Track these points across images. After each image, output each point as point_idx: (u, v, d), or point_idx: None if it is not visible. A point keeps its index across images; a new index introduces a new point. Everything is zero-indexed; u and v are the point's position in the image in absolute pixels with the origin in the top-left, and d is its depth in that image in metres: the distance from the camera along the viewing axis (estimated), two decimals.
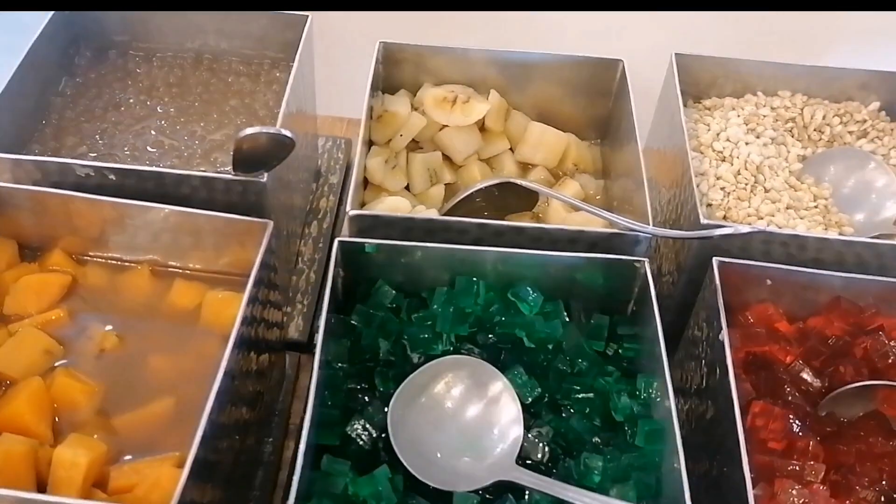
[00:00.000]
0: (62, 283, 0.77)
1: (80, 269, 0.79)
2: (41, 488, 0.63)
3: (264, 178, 0.76)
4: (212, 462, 0.64)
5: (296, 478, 0.60)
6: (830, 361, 0.76)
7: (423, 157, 0.93)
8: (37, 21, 0.90)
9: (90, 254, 0.80)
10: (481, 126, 0.96)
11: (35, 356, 0.71)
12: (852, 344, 0.77)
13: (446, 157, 0.95)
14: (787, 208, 0.86)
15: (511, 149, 0.98)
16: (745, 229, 0.75)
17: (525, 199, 0.91)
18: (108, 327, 0.75)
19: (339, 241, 0.75)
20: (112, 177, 0.77)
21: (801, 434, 0.70)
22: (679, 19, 1.21)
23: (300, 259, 1.01)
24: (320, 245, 1.02)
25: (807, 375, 0.75)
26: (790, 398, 0.74)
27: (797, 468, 0.68)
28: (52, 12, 0.91)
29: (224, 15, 0.97)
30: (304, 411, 0.82)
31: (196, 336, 0.76)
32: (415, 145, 0.96)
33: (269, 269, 0.76)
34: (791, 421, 0.71)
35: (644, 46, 1.08)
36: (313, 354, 0.91)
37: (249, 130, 0.70)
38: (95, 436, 0.67)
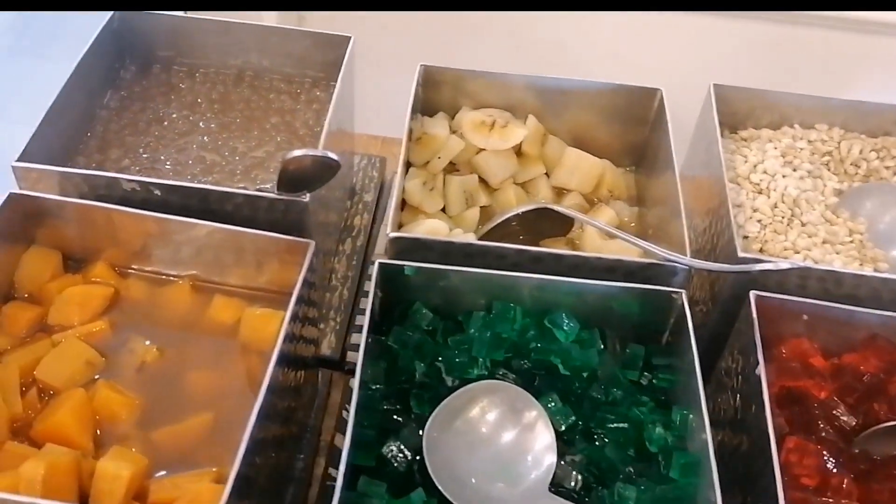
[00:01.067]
0: (105, 296, 0.78)
1: (123, 281, 0.80)
2: (83, 500, 0.64)
3: (307, 198, 0.77)
4: (250, 478, 0.64)
5: (335, 500, 0.60)
6: (865, 399, 0.76)
7: (460, 180, 0.93)
8: (86, 34, 0.92)
9: (133, 267, 0.81)
10: (518, 150, 0.97)
11: (77, 367, 0.72)
12: (887, 381, 0.77)
13: (482, 180, 0.96)
14: (824, 243, 0.86)
15: (546, 174, 0.98)
16: (784, 265, 0.75)
17: (560, 225, 0.91)
18: (148, 341, 0.76)
19: (380, 263, 0.76)
20: (157, 192, 0.78)
21: (835, 471, 0.70)
22: (716, 48, 1.22)
23: (333, 276, 1.01)
24: (353, 262, 1.03)
25: (841, 412, 0.75)
26: (824, 434, 0.74)
27: None
28: (100, 28, 0.93)
29: (266, 33, 0.99)
30: (336, 429, 0.83)
31: (234, 352, 0.77)
32: (451, 167, 0.96)
33: (309, 288, 0.77)
34: (825, 457, 0.71)
35: (681, 75, 1.09)
36: (345, 372, 0.93)
37: (297, 153, 0.71)
38: (134, 449, 0.68)
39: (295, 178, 0.74)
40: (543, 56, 1.28)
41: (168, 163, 0.91)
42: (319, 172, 0.74)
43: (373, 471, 0.69)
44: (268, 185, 0.83)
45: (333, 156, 0.72)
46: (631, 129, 0.99)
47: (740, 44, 1.21)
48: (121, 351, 0.75)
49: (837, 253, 0.86)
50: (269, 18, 1.63)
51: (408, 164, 0.94)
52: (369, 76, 1.20)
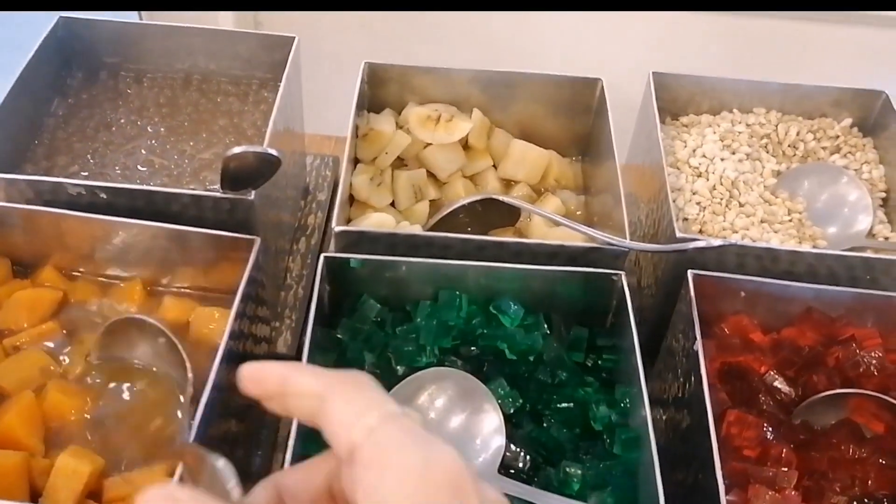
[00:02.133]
0: (53, 299, 0.78)
1: (71, 285, 0.81)
2: (34, 498, 0.64)
3: (251, 195, 0.78)
4: None
5: None
6: (804, 371, 0.78)
7: (408, 175, 0.95)
8: (30, 42, 0.92)
9: (80, 270, 0.81)
10: (465, 144, 0.98)
11: (31, 373, 0.73)
12: (824, 354, 0.79)
13: (431, 174, 0.97)
14: (762, 222, 0.89)
15: (494, 165, 1.00)
16: (717, 242, 0.78)
17: (507, 215, 0.93)
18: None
19: (325, 257, 0.77)
20: (103, 195, 0.79)
21: (774, 441, 0.72)
22: (659, 37, 1.24)
23: (288, 275, 1.02)
24: (308, 261, 1.04)
25: (780, 385, 0.78)
26: (765, 407, 0.76)
27: (770, 475, 0.70)
28: (45, 34, 0.94)
29: (213, 35, 1.00)
30: (292, 423, 0.83)
31: (186, 351, 0.77)
32: (400, 163, 0.98)
33: (256, 285, 0.78)
34: (765, 429, 0.73)
35: (627, 64, 1.11)
36: None
37: (236, 149, 0.72)
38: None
39: (237, 176, 0.75)
40: (488, 50, 1.29)
41: (117, 168, 0.91)
42: (261, 169, 0.75)
43: None
44: (216, 187, 0.84)
45: (273, 151, 0.73)
46: (575, 120, 1.01)
47: (682, 32, 1.23)
48: (71, 353, 0.76)
49: (776, 232, 0.88)
50: (226, 22, 1.64)
51: (356, 161, 0.95)
52: (320, 76, 1.22)
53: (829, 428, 0.76)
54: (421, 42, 1.29)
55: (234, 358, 0.73)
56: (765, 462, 0.71)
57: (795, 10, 1.22)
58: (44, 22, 0.95)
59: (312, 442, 0.70)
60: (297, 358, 0.94)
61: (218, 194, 0.78)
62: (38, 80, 0.93)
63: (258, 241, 0.76)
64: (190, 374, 0.70)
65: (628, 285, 0.79)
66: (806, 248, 0.87)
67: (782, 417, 0.76)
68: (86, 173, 0.90)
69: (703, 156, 0.94)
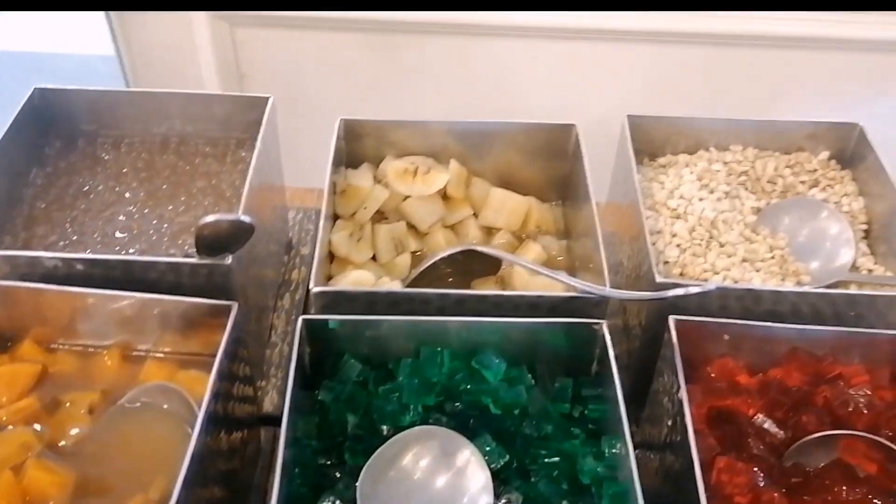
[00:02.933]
0: (32, 373, 0.78)
1: (51, 356, 0.80)
2: None
3: (228, 260, 0.78)
4: None
5: None
6: (793, 412, 0.77)
7: (389, 228, 0.95)
8: (6, 113, 0.93)
9: (59, 341, 0.81)
10: (444, 194, 0.98)
11: (11, 449, 0.72)
12: (813, 393, 0.78)
13: (411, 227, 0.97)
14: (743, 261, 0.88)
15: (475, 214, 1.00)
16: (695, 289, 0.77)
17: (489, 264, 0.92)
18: (82, 411, 0.76)
19: (304, 319, 0.77)
20: (79, 266, 0.79)
21: (766, 487, 0.71)
22: (634, 82, 1.25)
23: (273, 332, 1.02)
24: (293, 318, 1.03)
25: (770, 427, 0.77)
26: (755, 451, 0.75)
27: None
28: (21, 104, 0.94)
29: (189, 99, 1.00)
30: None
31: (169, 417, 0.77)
32: (380, 216, 0.98)
33: (237, 348, 0.77)
34: (755, 474, 0.72)
35: (602, 106, 1.11)
36: None
37: (209, 218, 0.72)
38: None
39: (212, 242, 0.75)
40: (464, 97, 1.30)
41: (96, 234, 0.91)
42: (236, 235, 0.75)
43: None
44: (195, 251, 0.84)
45: (247, 218, 0.73)
46: (552, 165, 1.01)
47: (657, 70, 1.24)
48: (52, 427, 0.75)
49: (758, 270, 0.88)
50: (210, 79, 1.66)
51: (335, 217, 0.95)
52: (299, 131, 1.22)
53: (820, 469, 0.75)
54: (399, 90, 1.30)
55: (218, 421, 0.72)
56: None
57: (796, 10, 1.22)
58: (19, 92, 0.96)
59: None
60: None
61: (194, 261, 0.78)
62: (16, 152, 0.93)
63: (235, 306, 0.75)
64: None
65: (614, 329, 0.78)
66: (788, 287, 0.86)
67: (773, 461, 0.75)
68: (65, 242, 0.90)
69: (682, 196, 0.94)
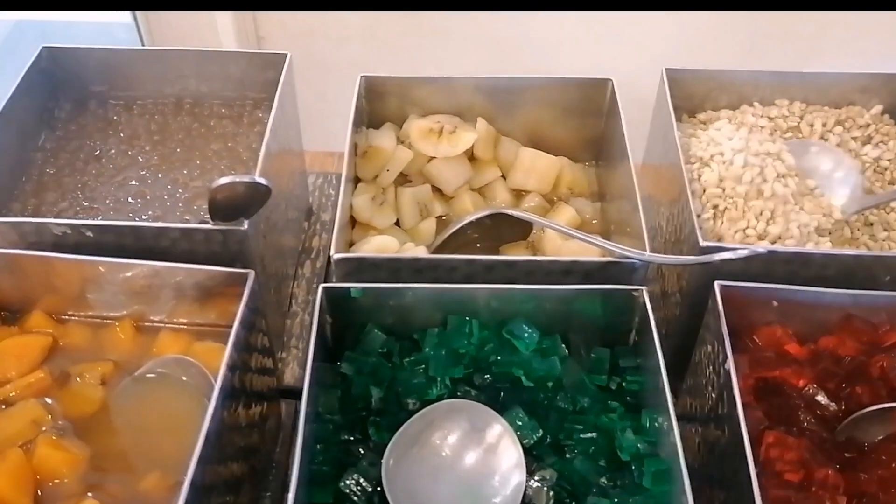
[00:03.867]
0: (43, 345, 0.75)
1: (61, 328, 0.77)
2: None
3: (245, 225, 0.74)
4: None
5: None
6: (846, 383, 0.73)
7: (413, 192, 0.90)
8: (12, 75, 0.89)
9: (69, 313, 0.78)
10: (471, 155, 0.93)
11: (21, 426, 0.69)
12: (868, 363, 0.73)
13: (436, 189, 0.93)
14: (789, 221, 0.83)
15: (503, 176, 0.95)
16: (744, 252, 0.72)
17: (518, 228, 0.88)
18: (93, 386, 0.73)
19: (324, 287, 0.73)
20: (89, 234, 0.75)
21: (818, 463, 0.67)
22: (670, 31, 1.18)
23: (294, 301, 0.98)
24: (314, 286, 0.99)
25: (822, 399, 0.72)
26: (805, 424, 0.70)
27: (816, 501, 0.64)
28: (28, 65, 0.90)
29: (202, 57, 0.96)
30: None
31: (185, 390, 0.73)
32: (403, 179, 0.93)
33: (254, 317, 0.73)
34: (807, 450, 0.67)
35: (638, 61, 1.05)
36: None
37: (223, 180, 0.68)
38: None
39: (227, 207, 0.71)
40: (491, 54, 1.24)
41: (107, 200, 0.87)
42: (252, 198, 0.71)
43: None
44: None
45: (263, 180, 0.69)
46: (586, 123, 0.96)
47: (694, 24, 1.17)
48: (63, 401, 0.72)
49: (808, 227, 0.82)
50: (228, 38, 1.61)
51: (356, 180, 0.91)
52: (319, 92, 1.17)
53: (876, 444, 0.70)
54: (421, 49, 1.24)
55: (235, 394, 0.69)
56: (809, 487, 0.66)
57: (805, 10, 1.16)
58: (27, 52, 0.92)
59: (318, 487, 0.66)
60: None
61: (209, 226, 0.74)
62: (24, 114, 0.90)
63: (252, 274, 0.71)
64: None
65: (651, 296, 0.73)
66: (840, 250, 0.80)
67: (825, 435, 0.70)
68: (77, 208, 0.86)
69: (723, 154, 0.88)
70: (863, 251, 0.79)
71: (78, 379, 0.72)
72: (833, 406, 0.72)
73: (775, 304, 0.74)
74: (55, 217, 0.84)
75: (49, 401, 0.71)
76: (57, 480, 0.67)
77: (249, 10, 1.51)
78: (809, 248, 0.80)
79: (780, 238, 0.81)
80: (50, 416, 0.70)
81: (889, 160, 0.90)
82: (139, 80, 0.97)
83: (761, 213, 0.82)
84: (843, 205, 0.86)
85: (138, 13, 1.60)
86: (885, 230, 0.85)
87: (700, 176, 0.87)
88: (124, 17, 1.63)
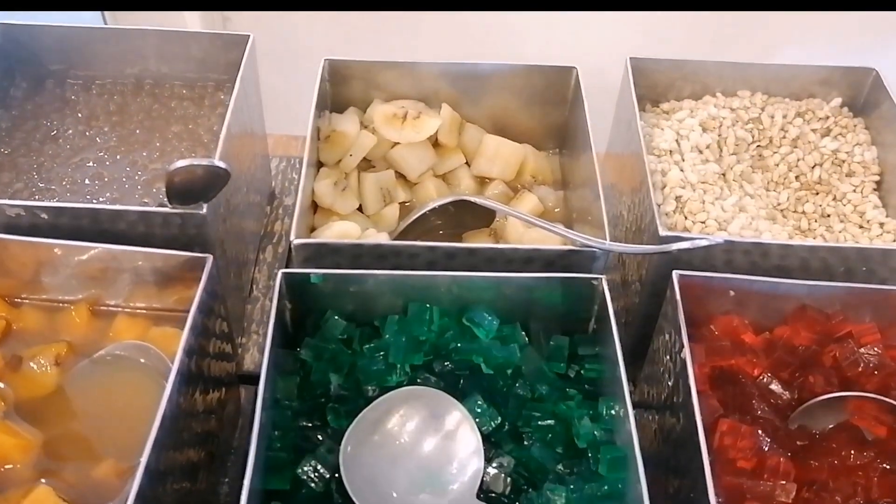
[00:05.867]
0: None
1: (15, 311, 0.76)
2: None
3: (203, 209, 0.73)
4: None
5: None
6: (799, 372, 0.74)
7: (376, 177, 0.90)
8: None
9: (23, 296, 0.76)
10: (435, 141, 0.93)
11: None
12: (821, 353, 0.75)
13: (400, 175, 0.92)
14: (742, 211, 0.84)
15: (467, 163, 0.95)
16: (703, 242, 0.73)
17: (482, 216, 0.88)
18: (46, 369, 0.71)
19: (284, 273, 0.72)
20: (44, 216, 0.73)
21: (770, 451, 0.68)
22: (637, 22, 1.19)
23: (255, 286, 0.97)
24: (275, 271, 0.98)
25: (776, 388, 0.73)
26: (759, 412, 0.71)
27: (768, 489, 0.66)
28: None
29: (164, 37, 0.94)
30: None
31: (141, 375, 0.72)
32: (367, 164, 0.93)
33: (212, 302, 0.73)
34: (760, 438, 0.68)
35: (603, 50, 1.05)
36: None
37: (181, 163, 0.67)
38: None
39: (185, 190, 0.70)
40: (456, 40, 1.24)
41: (64, 182, 0.85)
42: (211, 182, 0.70)
43: (288, 494, 0.65)
44: None
45: (222, 164, 0.68)
46: (550, 111, 0.96)
47: (659, 14, 1.18)
48: (16, 386, 0.71)
49: (772, 220, 0.83)
50: (193, 21, 1.58)
51: (319, 164, 0.90)
52: (282, 74, 1.16)
53: (827, 432, 0.71)
54: (387, 34, 1.23)
55: (192, 379, 0.68)
56: (761, 474, 0.67)
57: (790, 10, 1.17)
58: None
59: (275, 473, 0.66)
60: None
61: (166, 210, 0.73)
62: None
63: (210, 259, 0.70)
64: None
65: (612, 285, 0.74)
66: (797, 241, 0.82)
67: (778, 423, 0.71)
68: (32, 190, 0.85)
69: (686, 144, 0.88)
70: (819, 242, 0.80)
71: (31, 363, 0.71)
72: (786, 395, 0.73)
73: (732, 293, 0.75)
74: (10, 198, 0.82)
75: (1, 385, 0.70)
76: (9, 466, 0.66)
77: (229, 10, 1.49)
78: (766, 238, 0.81)
79: (740, 230, 0.82)
80: (2, 402, 0.69)
81: (847, 152, 0.92)
82: (98, 59, 0.95)
83: (722, 205, 0.83)
84: None
85: None
86: (842, 221, 0.87)
87: (662, 167, 0.87)
88: None
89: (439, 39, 1.21)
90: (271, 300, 0.95)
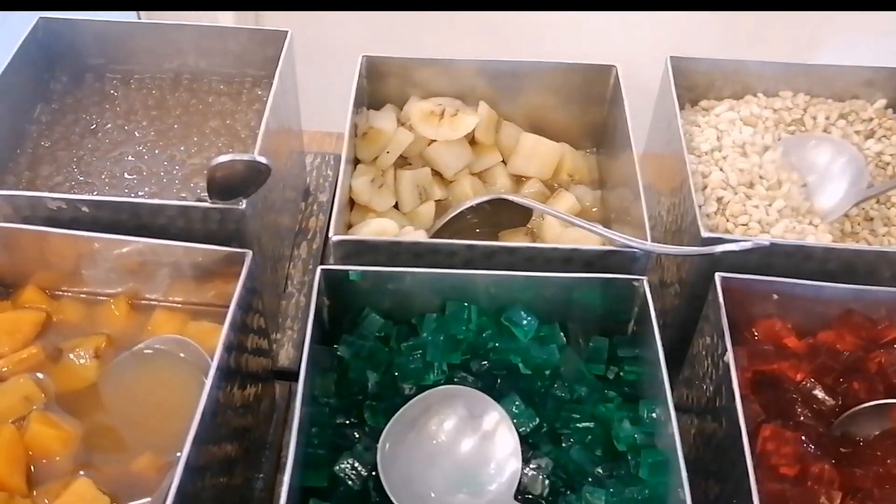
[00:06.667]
0: (35, 321, 0.74)
1: (55, 304, 0.76)
2: None
3: (243, 205, 0.73)
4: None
5: None
6: (843, 378, 0.72)
7: (412, 174, 0.89)
8: (8, 45, 0.87)
9: (63, 288, 0.77)
10: (471, 139, 0.93)
11: (13, 402, 0.68)
12: (866, 359, 0.73)
13: (436, 173, 0.92)
14: (789, 215, 0.82)
15: (504, 161, 0.94)
16: (747, 245, 0.71)
17: (519, 214, 0.87)
18: (86, 361, 0.72)
19: (322, 269, 0.72)
20: (85, 209, 0.74)
21: (814, 458, 0.67)
22: (676, 20, 1.17)
23: (289, 282, 0.97)
24: (310, 267, 0.99)
25: (819, 393, 0.72)
26: (802, 418, 0.70)
27: (811, 496, 0.64)
28: (24, 36, 0.88)
29: (202, 32, 0.94)
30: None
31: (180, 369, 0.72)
32: (403, 162, 0.92)
33: (251, 298, 0.73)
34: (804, 444, 0.67)
35: (642, 49, 1.04)
36: None
37: (222, 158, 0.67)
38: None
39: (225, 185, 0.70)
40: (494, 38, 1.23)
41: (103, 176, 0.86)
42: (251, 177, 0.70)
43: (326, 491, 0.65)
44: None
45: (262, 159, 0.68)
46: (589, 110, 0.95)
47: (700, 13, 1.17)
48: (57, 377, 0.71)
49: (811, 223, 0.82)
50: (226, 20, 1.58)
51: (356, 161, 0.90)
52: (318, 71, 1.16)
53: (872, 440, 0.70)
54: (424, 32, 1.23)
55: (231, 375, 0.68)
56: (804, 481, 0.66)
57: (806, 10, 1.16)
58: (22, 23, 0.90)
59: (313, 470, 0.65)
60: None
61: (207, 205, 0.73)
62: (19, 86, 0.88)
63: (250, 254, 0.70)
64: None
65: (650, 286, 0.73)
66: (841, 245, 0.80)
67: (821, 430, 0.70)
68: (71, 183, 0.85)
69: (728, 141, 0.87)
70: (864, 246, 0.79)
71: (71, 355, 0.71)
72: (830, 401, 0.72)
73: (775, 297, 0.74)
74: (50, 191, 0.83)
75: (41, 377, 0.71)
76: (49, 458, 0.66)
77: (255, 10, 1.49)
78: (811, 241, 0.80)
79: (782, 233, 0.80)
80: (43, 393, 0.70)
81: (892, 155, 0.90)
82: (137, 53, 0.95)
83: (765, 208, 0.81)
84: (842, 199, 0.85)
85: None
86: (886, 225, 0.85)
87: (702, 168, 0.86)
88: None
89: (477, 36, 1.20)
90: (306, 296, 0.96)
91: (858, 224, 0.86)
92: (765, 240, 0.72)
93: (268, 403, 0.84)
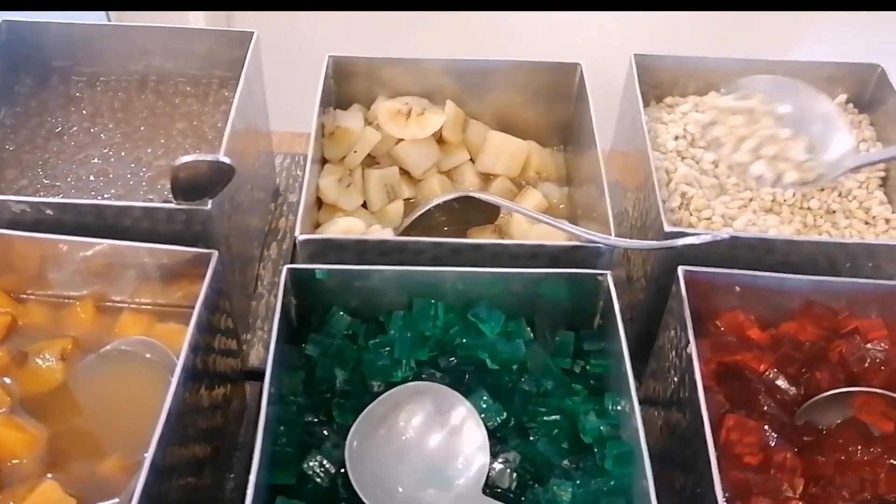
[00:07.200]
0: (1, 325, 0.73)
1: (20, 307, 0.76)
2: None
3: (208, 205, 0.73)
4: None
5: None
6: (805, 368, 0.74)
7: (380, 173, 0.90)
8: None
9: (28, 292, 0.76)
10: (439, 138, 0.93)
11: None
12: (827, 349, 0.74)
13: (404, 172, 0.92)
14: (753, 208, 0.83)
15: (471, 159, 0.95)
16: (707, 237, 0.72)
17: (486, 212, 0.88)
18: (52, 364, 0.71)
19: (289, 269, 0.72)
20: (49, 212, 0.74)
21: (777, 447, 0.68)
22: (641, 19, 1.19)
23: (259, 283, 0.97)
24: (280, 267, 0.98)
25: (782, 383, 0.73)
26: (765, 408, 0.71)
27: (774, 484, 0.65)
28: None
29: (168, 34, 0.94)
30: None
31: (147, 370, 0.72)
32: (371, 161, 0.93)
33: (218, 299, 0.73)
34: (766, 433, 0.68)
35: (607, 46, 1.05)
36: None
37: (186, 159, 0.67)
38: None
39: (190, 186, 0.70)
40: (460, 37, 1.24)
41: (69, 179, 0.86)
42: (216, 178, 0.70)
43: (294, 489, 0.65)
44: None
45: (226, 160, 0.68)
46: (555, 107, 0.96)
47: (664, 12, 1.18)
48: (23, 381, 0.71)
49: (777, 214, 0.83)
50: (197, 21, 1.58)
51: (323, 161, 0.90)
52: (286, 72, 1.16)
53: (834, 428, 0.71)
54: (391, 30, 1.23)
55: (198, 375, 0.68)
56: (767, 469, 0.67)
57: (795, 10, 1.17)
58: None
59: (281, 468, 0.66)
60: None
61: (171, 206, 0.73)
62: None
63: (216, 255, 0.70)
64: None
65: (617, 281, 0.74)
66: (802, 237, 0.81)
67: (784, 419, 0.71)
68: (37, 186, 0.85)
69: (690, 140, 0.88)
70: (825, 238, 0.80)
71: (37, 359, 0.71)
72: (793, 390, 0.73)
73: (738, 289, 0.75)
74: (15, 195, 0.83)
75: (7, 381, 0.70)
76: (15, 461, 0.66)
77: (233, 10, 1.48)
78: (772, 234, 0.81)
79: (745, 226, 0.82)
80: (8, 397, 0.69)
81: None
82: (103, 55, 0.95)
83: (726, 202, 0.82)
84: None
85: None
86: (847, 218, 0.86)
87: (667, 164, 0.87)
88: None
89: (443, 36, 1.21)
90: (276, 297, 0.95)
91: (821, 217, 0.87)
92: (725, 233, 0.74)
93: (238, 404, 0.84)
